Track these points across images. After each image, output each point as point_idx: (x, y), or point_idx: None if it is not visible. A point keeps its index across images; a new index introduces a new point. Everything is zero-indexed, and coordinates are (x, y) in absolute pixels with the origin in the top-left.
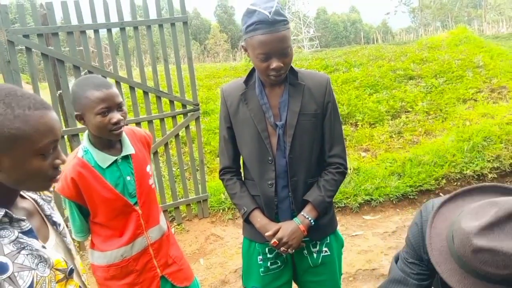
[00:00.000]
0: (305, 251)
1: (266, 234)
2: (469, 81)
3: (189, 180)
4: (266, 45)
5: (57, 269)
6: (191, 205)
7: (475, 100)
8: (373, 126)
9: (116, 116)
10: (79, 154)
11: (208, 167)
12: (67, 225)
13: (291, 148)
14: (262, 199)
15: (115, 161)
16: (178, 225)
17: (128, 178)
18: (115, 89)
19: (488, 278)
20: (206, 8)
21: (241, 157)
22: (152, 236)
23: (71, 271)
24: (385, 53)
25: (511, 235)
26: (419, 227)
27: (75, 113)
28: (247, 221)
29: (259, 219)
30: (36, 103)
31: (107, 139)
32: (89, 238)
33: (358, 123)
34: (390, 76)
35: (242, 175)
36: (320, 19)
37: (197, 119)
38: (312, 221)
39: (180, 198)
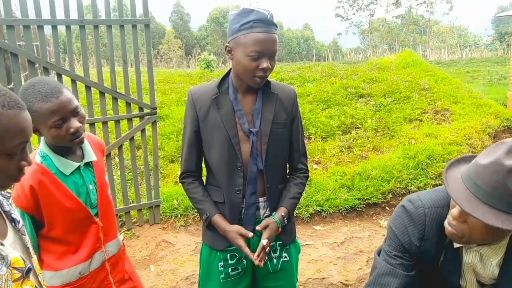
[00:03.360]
0: (266, 256)
1: (263, 239)
2: (415, 102)
3: (141, 185)
4: (261, 43)
5: (14, 268)
6: (143, 210)
7: (420, 120)
8: (325, 140)
9: (73, 124)
10: (36, 159)
11: (161, 172)
12: None
13: (266, 155)
14: (227, 206)
15: (78, 167)
16: (128, 230)
17: (91, 186)
18: (66, 94)
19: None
20: (161, 13)
21: (203, 162)
22: (110, 250)
23: (29, 270)
24: (337, 71)
25: None
26: (405, 219)
27: None
28: (208, 227)
29: (223, 224)
30: (10, 101)
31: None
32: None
33: (311, 136)
34: (341, 93)
35: (204, 180)
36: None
37: (154, 123)
38: (286, 222)
39: (131, 203)
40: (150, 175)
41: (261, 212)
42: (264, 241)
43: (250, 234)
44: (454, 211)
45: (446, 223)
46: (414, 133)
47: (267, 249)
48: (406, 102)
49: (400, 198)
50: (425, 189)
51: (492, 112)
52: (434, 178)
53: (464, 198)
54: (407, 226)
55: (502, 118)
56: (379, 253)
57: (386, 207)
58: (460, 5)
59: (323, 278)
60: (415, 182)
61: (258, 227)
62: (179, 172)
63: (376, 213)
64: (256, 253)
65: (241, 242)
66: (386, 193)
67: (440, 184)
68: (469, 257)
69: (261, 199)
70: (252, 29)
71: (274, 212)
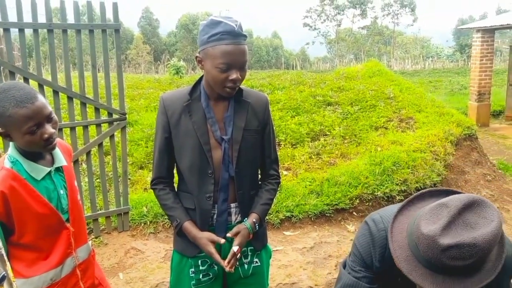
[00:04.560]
0: (237, 262)
1: (234, 246)
2: (381, 110)
3: (109, 191)
4: (229, 55)
5: None
6: (111, 217)
7: (386, 128)
8: (294, 146)
9: (47, 130)
10: (6, 164)
11: (130, 179)
12: None
13: (237, 162)
14: (198, 212)
15: (49, 172)
16: (96, 238)
17: (62, 192)
18: (41, 100)
19: (456, 271)
20: (129, 18)
21: (175, 168)
22: (80, 256)
23: (3, 278)
24: (306, 79)
25: (465, 228)
26: (368, 238)
27: None
28: (179, 233)
29: (194, 231)
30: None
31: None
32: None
33: (281, 143)
34: (310, 101)
35: (175, 186)
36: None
37: (123, 128)
38: (257, 228)
39: (99, 210)
40: (119, 181)
41: (233, 218)
42: (235, 248)
43: (222, 241)
44: None
45: None
46: (380, 140)
47: (238, 255)
48: (372, 111)
49: (367, 203)
50: (391, 195)
51: (454, 120)
52: (399, 184)
53: (403, 257)
54: (370, 246)
55: (463, 126)
56: (344, 266)
57: (354, 212)
58: (423, 17)
59: (293, 283)
60: (381, 188)
61: (229, 234)
62: (149, 179)
63: (344, 218)
64: (227, 260)
65: (212, 249)
66: (354, 198)
67: (405, 191)
68: None
69: (232, 205)
70: (220, 41)
71: (246, 218)
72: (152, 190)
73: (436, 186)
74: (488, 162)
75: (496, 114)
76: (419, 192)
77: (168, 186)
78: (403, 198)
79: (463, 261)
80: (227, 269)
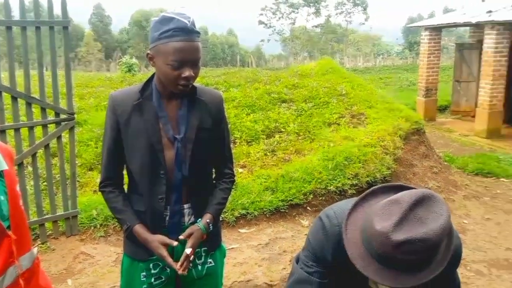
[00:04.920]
0: (190, 264)
1: (186, 249)
2: (333, 107)
3: (57, 195)
4: (181, 52)
5: None
6: (59, 222)
7: (338, 124)
8: (250, 144)
9: None
10: None
11: (79, 181)
12: None
13: (191, 162)
14: (149, 214)
15: None
16: (43, 243)
17: (2, 198)
18: None
19: (409, 265)
20: (80, 14)
21: (124, 169)
22: (24, 264)
23: None
24: (261, 77)
25: (417, 224)
26: (321, 233)
27: None
28: (129, 237)
29: (145, 234)
30: None
31: None
32: None
33: (236, 141)
34: (265, 98)
35: (125, 188)
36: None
37: (71, 129)
38: (211, 229)
39: (46, 214)
40: (67, 184)
41: (186, 219)
42: (188, 250)
43: (175, 243)
44: None
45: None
46: (332, 136)
47: (192, 257)
48: (325, 107)
49: (321, 198)
50: (343, 189)
51: (403, 116)
52: (351, 178)
53: (357, 253)
54: (323, 241)
55: (411, 121)
56: (297, 261)
57: (308, 207)
58: (374, 16)
59: (248, 281)
60: (334, 183)
61: (182, 236)
62: (98, 180)
63: (298, 214)
64: (180, 263)
65: (164, 252)
66: (308, 193)
67: (356, 185)
68: None
69: (185, 206)
70: (172, 38)
71: (199, 219)
72: (101, 192)
73: (386, 180)
74: (435, 155)
75: (442, 109)
76: (371, 189)
77: (118, 188)
78: (355, 192)
79: (415, 255)
80: (180, 272)
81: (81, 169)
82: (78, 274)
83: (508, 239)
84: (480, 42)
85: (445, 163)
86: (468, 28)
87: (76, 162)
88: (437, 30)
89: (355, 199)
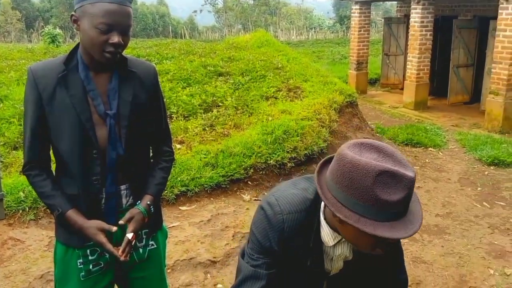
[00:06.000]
0: (131, 249)
1: (127, 237)
2: (270, 80)
3: None
4: (111, 15)
5: None
6: None
7: (276, 98)
8: (187, 118)
9: None
10: None
11: (2, 161)
12: None
13: (127, 140)
14: (83, 198)
15: None
16: None
17: None
18: None
19: (397, 210)
20: None
21: (51, 150)
22: None
23: None
24: (196, 49)
25: (395, 163)
26: (264, 222)
27: None
28: (61, 223)
29: (79, 220)
30: None
31: None
32: None
33: (173, 116)
34: (201, 71)
35: (53, 170)
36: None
37: None
38: (153, 211)
39: None
40: None
41: (124, 201)
42: (129, 235)
43: (114, 229)
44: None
45: (377, 250)
46: (270, 110)
47: (133, 242)
48: (262, 81)
49: (261, 172)
50: (282, 162)
51: (337, 89)
52: (290, 151)
53: (354, 219)
54: (267, 230)
55: (345, 94)
56: (243, 255)
57: (249, 182)
58: None
59: (191, 258)
60: (273, 156)
61: (121, 221)
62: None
63: (239, 188)
64: (121, 249)
65: (102, 239)
66: (248, 168)
67: (295, 158)
68: (339, 250)
69: (123, 187)
70: None
71: (139, 202)
72: (25, 176)
73: (323, 152)
74: (367, 127)
75: (373, 82)
76: (323, 160)
77: (44, 171)
78: (293, 165)
79: (401, 194)
80: (122, 258)
81: (4, 148)
82: (7, 261)
83: (437, 206)
84: (407, 16)
85: (377, 134)
86: (395, 2)
87: None
88: (366, 4)
89: (296, 179)
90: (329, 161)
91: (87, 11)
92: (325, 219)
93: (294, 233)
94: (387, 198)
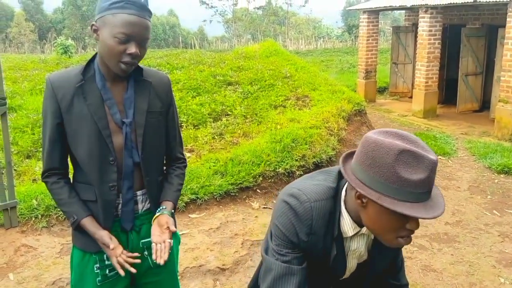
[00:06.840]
0: (146, 252)
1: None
2: (279, 89)
3: None
4: (130, 26)
5: None
6: None
7: (284, 107)
8: (197, 127)
9: None
10: None
11: (16, 170)
12: None
13: (143, 148)
14: (101, 204)
15: None
16: None
17: None
18: None
19: (406, 187)
20: None
21: (69, 158)
22: None
23: None
24: (205, 59)
25: (419, 147)
26: (290, 215)
27: None
28: (77, 229)
29: (93, 229)
30: None
31: None
32: None
33: (183, 124)
34: (211, 81)
35: (71, 177)
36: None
37: (4, 115)
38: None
39: None
40: (3, 173)
41: (140, 206)
42: (170, 241)
43: (112, 246)
44: (410, 225)
45: (399, 240)
46: (279, 118)
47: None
48: (271, 90)
49: (270, 180)
50: (291, 170)
51: (345, 97)
52: (298, 159)
53: (389, 202)
54: (293, 222)
55: (353, 102)
56: (266, 251)
57: (258, 190)
58: None
59: (200, 266)
60: (282, 164)
61: (173, 228)
62: (38, 169)
63: (248, 196)
64: (166, 253)
65: (108, 251)
66: (257, 176)
67: (304, 166)
68: (355, 244)
69: (139, 193)
70: (123, 9)
71: (162, 207)
72: (44, 183)
73: (332, 160)
74: None
75: (381, 90)
76: (347, 152)
77: (63, 178)
78: (302, 173)
79: (422, 174)
80: (161, 262)
81: (18, 157)
82: (20, 268)
83: (447, 214)
84: (415, 25)
85: None
86: (403, 11)
87: (12, 150)
88: (374, 13)
89: (310, 174)
90: (352, 153)
91: (108, 21)
92: (346, 208)
93: (321, 222)
94: (408, 177)
